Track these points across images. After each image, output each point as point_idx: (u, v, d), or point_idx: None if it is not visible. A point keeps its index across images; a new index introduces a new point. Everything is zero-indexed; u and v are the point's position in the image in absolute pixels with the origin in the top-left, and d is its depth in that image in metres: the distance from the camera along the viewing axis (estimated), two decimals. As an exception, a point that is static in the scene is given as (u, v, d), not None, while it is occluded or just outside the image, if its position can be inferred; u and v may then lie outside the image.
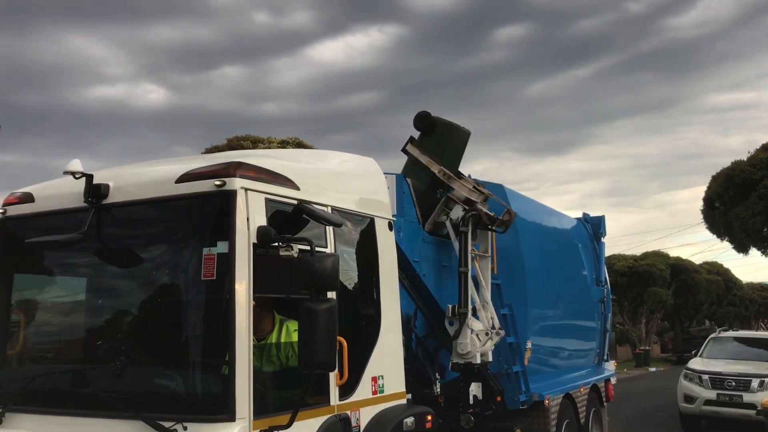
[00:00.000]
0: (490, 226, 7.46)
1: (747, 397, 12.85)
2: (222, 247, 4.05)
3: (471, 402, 7.15)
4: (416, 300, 6.93)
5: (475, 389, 7.20)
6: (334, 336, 4.02)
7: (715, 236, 18.74)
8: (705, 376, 13.83)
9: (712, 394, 13.50)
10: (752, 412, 12.56)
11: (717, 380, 13.62)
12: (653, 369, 34.41)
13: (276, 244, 4.17)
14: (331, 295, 4.27)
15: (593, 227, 11.26)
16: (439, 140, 7.66)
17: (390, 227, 5.64)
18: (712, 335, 16.73)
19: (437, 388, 6.92)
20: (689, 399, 13.93)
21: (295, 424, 4.17)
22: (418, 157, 7.38)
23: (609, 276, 37.48)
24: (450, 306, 7.18)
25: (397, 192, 6.65)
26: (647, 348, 38.89)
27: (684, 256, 48.93)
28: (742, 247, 18.04)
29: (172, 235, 4.36)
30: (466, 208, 7.21)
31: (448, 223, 7.25)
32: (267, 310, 4.75)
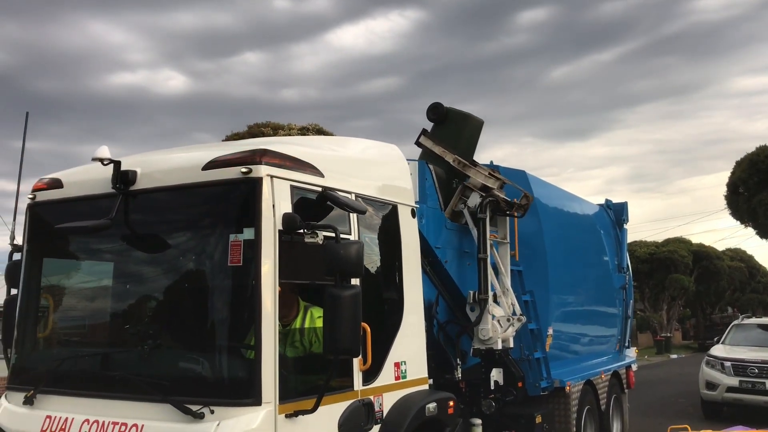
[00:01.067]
0: (507, 212, 7.45)
1: (774, 386, 12.76)
2: (248, 233, 4.09)
3: (492, 387, 7.18)
4: (438, 286, 6.95)
5: (496, 375, 7.23)
6: (358, 322, 4.07)
7: (738, 222, 18.53)
8: (727, 363, 13.74)
9: (734, 381, 13.42)
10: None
11: (740, 367, 13.53)
12: (674, 356, 34.21)
13: (301, 230, 4.21)
14: (356, 281, 4.32)
15: (615, 213, 11.20)
16: (452, 130, 7.65)
17: (413, 214, 5.66)
18: (735, 322, 16.59)
19: (458, 374, 6.95)
20: (711, 386, 13.85)
21: (321, 408, 4.23)
22: (431, 148, 7.38)
23: (630, 262, 37.19)
24: (471, 292, 7.20)
25: (419, 178, 6.65)
26: (668, 335, 38.63)
27: (707, 243, 48.48)
28: (766, 233, 17.85)
29: (199, 221, 4.41)
30: (483, 194, 7.20)
31: (465, 211, 7.25)
32: (292, 296, 4.80)
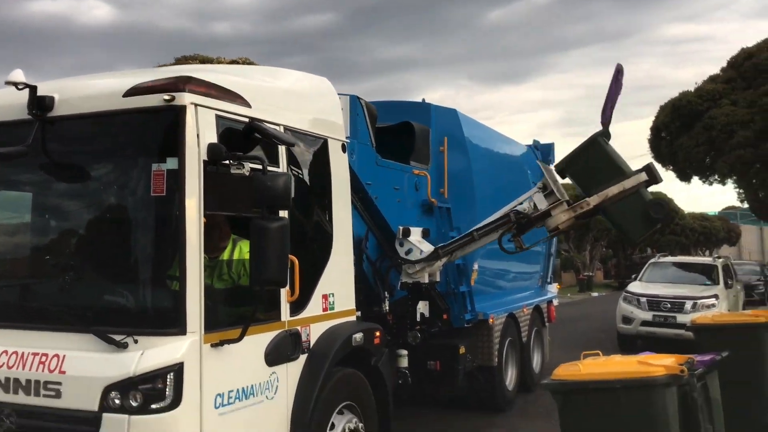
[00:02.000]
0: None
1: (680, 318, 13.51)
2: (171, 163, 4.02)
3: (418, 319, 7.38)
4: (368, 222, 7.02)
5: (422, 307, 7.43)
6: (285, 253, 4.09)
7: (660, 165, 19.20)
8: (643, 299, 14.47)
9: (648, 316, 14.16)
10: (684, 332, 13.25)
11: (654, 302, 14.28)
12: (595, 294, 35.70)
13: (227, 161, 4.16)
14: (284, 213, 4.33)
15: (543, 154, 11.42)
16: None
17: (343, 149, 5.65)
18: (652, 260, 17.40)
19: (386, 307, 7.11)
20: (627, 320, 14.60)
21: (246, 338, 4.28)
22: None
23: (557, 204, 37.41)
24: (400, 228, 7.31)
25: (351, 113, 6.61)
26: (590, 274, 40.19)
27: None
28: (684, 176, 18.60)
29: (120, 150, 4.30)
30: None
31: None
32: (222, 229, 4.78)
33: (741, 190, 22.81)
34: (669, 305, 14.04)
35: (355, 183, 6.57)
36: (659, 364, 4.22)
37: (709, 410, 4.97)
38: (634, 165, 6.72)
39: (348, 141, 5.85)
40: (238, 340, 4.12)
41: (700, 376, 4.85)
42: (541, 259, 11.18)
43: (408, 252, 7.42)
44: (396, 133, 8.04)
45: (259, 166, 4.08)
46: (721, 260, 16.20)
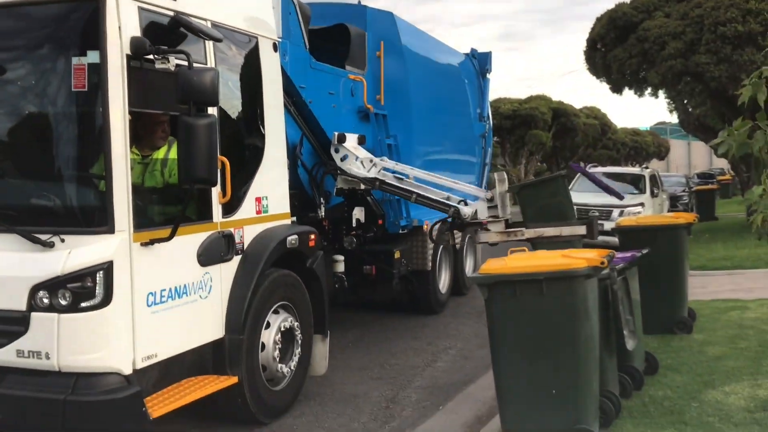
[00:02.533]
0: None
1: (608, 225, 14.00)
2: (93, 56, 3.87)
3: (354, 225, 7.46)
4: (302, 127, 6.94)
5: (358, 213, 7.50)
6: (214, 151, 4.03)
7: (594, 77, 19.39)
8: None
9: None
10: (611, 238, 13.80)
11: (582, 210, 14.70)
12: (529, 206, 36.60)
13: (151, 56, 4.02)
14: (212, 110, 4.24)
15: (480, 63, 11.40)
16: None
17: (275, 48, 5.51)
18: (583, 171, 17.83)
19: (322, 213, 7.14)
20: None
21: (179, 238, 4.26)
22: None
23: (494, 119, 38.35)
24: (336, 133, 7.26)
25: (283, 13, 6.38)
26: (525, 187, 41.09)
27: (566, 101, 50.83)
28: (617, 88, 18.85)
29: (40, 43, 4.09)
30: None
31: None
32: (159, 127, 4.67)
33: (671, 101, 23.38)
34: (597, 213, 14.51)
35: (288, 86, 6.46)
36: (581, 257, 4.33)
37: (629, 303, 5.24)
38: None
39: (280, 41, 5.70)
40: (168, 239, 4.10)
41: (620, 271, 5.11)
42: (477, 168, 11.32)
43: (343, 158, 7.41)
44: (331, 37, 7.87)
45: (185, 61, 3.95)
46: (648, 170, 16.75)
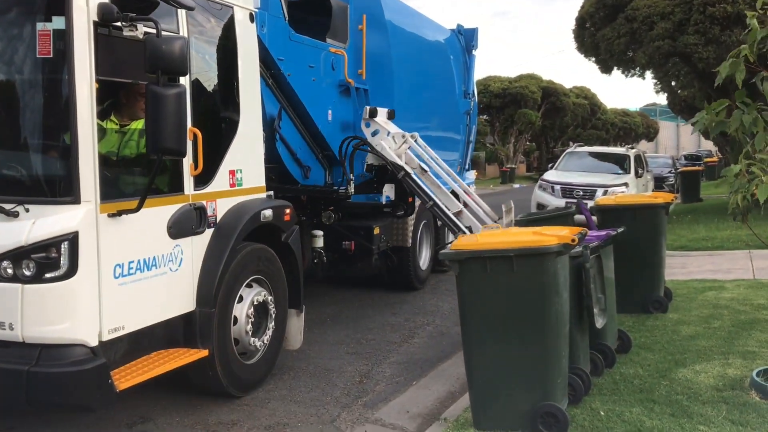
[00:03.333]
0: None
1: (591, 205, 14.07)
2: (58, 22, 3.79)
3: (384, 202, 7.47)
4: (281, 100, 6.86)
5: (388, 190, 7.56)
6: (183, 121, 3.97)
7: (583, 56, 19.31)
8: (557, 186, 14.97)
9: (561, 203, 14.62)
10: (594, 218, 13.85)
11: (567, 190, 14.80)
12: (517, 186, 36.66)
13: (119, 24, 3.93)
14: (183, 80, 4.17)
15: (466, 39, 11.29)
16: None
17: (251, 18, 5.42)
18: (568, 150, 17.87)
19: (351, 189, 7.22)
20: (541, 207, 15.13)
21: (150, 210, 4.22)
22: None
23: (484, 97, 38.05)
24: (367, 108, 7.31)
25: (261, -17, 6.29)
26: (513, 166, 41.11)
27: (557, 81, 50.71)
28: (606, 68, 18.79)
29: (4, 8, 3.98)
30: None
31: None
32: (141, 97, 4.58)
33: (658, 82, 23.32)
34: (581, 192, 14.55)
35: (266, 58, 6.39)
36: (552, 234, 4.31)
37: (602, 282, 5.24)
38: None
39: (257, 11, 5.60)
40: (135, 210, 4.05)
41: (593, 249, 5.09)
42: (461, 145, 11.26)
43: (374, 133, 7.39)
44: (312, 9, 7.77)
45: (153, 29, 3.87)
46: (633, 151, 16.78)
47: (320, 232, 7.47)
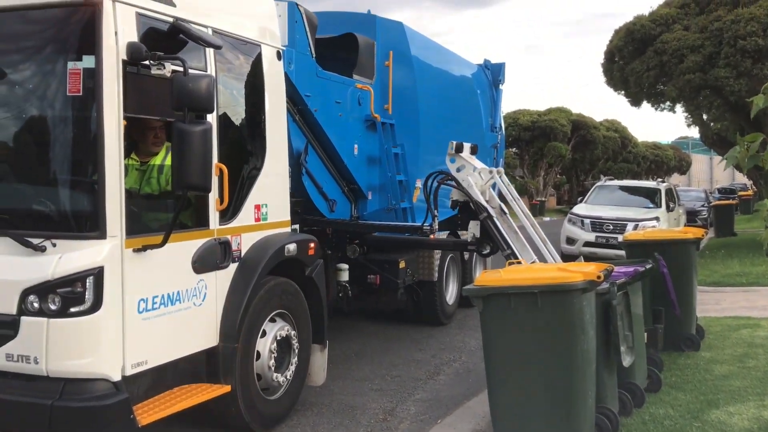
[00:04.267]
0: None
1: (621, 239, 13.88)
2: (88, 61, 3.88)
3: (470, 240, 7.35)
4: (308, 135, 6.93)
5: (473, 227, 7.24)
6: (208, 158, 4.02)
7: (612, 89, 19.26)
8: (587, 220, 14.81)
9: (591, 236, 14.54)
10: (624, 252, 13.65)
11: (597, 224, 14.62)
12: (547, 219, 36.36)
13: (147, 62, 4.02)
14: (210, 117, 4.24)
15: (493, 74, 11.36)
16: None
17: (279, 56, 5.50)
18: (598, 183, 17.70)
19: (435, 224, 7.16)
20: (571, 241, 14.97)
21: (174, 245, 4.26)
22: None
23: (513, 130, 38.01)
24: (453, 143, 7.26)
25: (289, 21, 6.41)
26: (543, 199, 40.86)
27: (587, 113, 50.55)
28: (635, 102, 18.72)
29: (37, 47, 4.10)
30: None
31: None
32: (158, 134, 4.67)
33: (688, 115, 23.12)
34: (611, 226, 14.38)
35: (293, 94, 6.47)
36: (577, 270, 4.27)
37: (630, 319, 5.14)
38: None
39: (284, 49, 5.70)
40: (161, 246, 4.08)
41: (621, 286, 5.01)
42: (488, 179, 11.24)
43: (460, 169, 7.29)
44: (339, 46, 7.87)
45: (180, 68, 3.95)
46: (664, 185, 16.57)
47: (345, 266, 7.47)
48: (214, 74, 4.63)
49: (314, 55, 6.83)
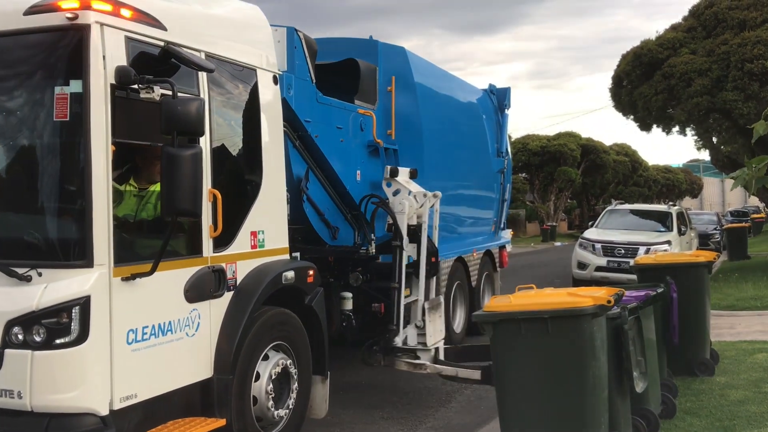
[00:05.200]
0: None
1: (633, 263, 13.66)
2: (75, 86, 3.80)
3: (406, 263, 7.23)
4: (308, 161, 6.82)
5: (410, 250, 7.17)
6: (198, 183, 3.91)
7: (621, 114, 19.17)
8: (598, 245, 14.65)
9: (602, 261, 14.36)
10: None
11: (608, 248, 14.45)
12: (558, 243, 36.11)
13: (136, 86, 3.93)
14: (203, 142, 4.14)
15: (498, 98, 11.27)
16: None
17: (275, 81, 5.42)
18: (609, 207, 17.53)
19: (372, 249, 7.03)
20: (582, 266, 14.78)
21: (166, 273, 4.14)
22: None
23: (523, 155, 37.91)
24: (388, 167, 7.19)
25: (288, 47, 6.34)
26: (554, 224, 40.59)
27: (596, 138, 50.44)
28: (645, 125, 18.60)
29: (22, 72, 4.04)
30: None
31: None
32: (155, 161, 4.57)
33: (698, 138, 22.98)
34: (623, 251, 14.19)
35: (292, 120, 6.38)
36: (587, 295, 4.23)
37: (642, 344, 5.01)
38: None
39: (284, 74, 5.62)
40: (149, 274, 3.96)
41: (632, 310, 4.90)
42: (495, 204, 11.11)
43: (396, 193, 7.24)
44: (341, 72, 7.80)
45: (169, 91, 3.85)
46: (676, 208, 16.38)
47: (349, 294, 7.29)
48: (207, 98, 4.54)
49: (314, 81, 6.75)
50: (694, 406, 5.86)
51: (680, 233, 15.32)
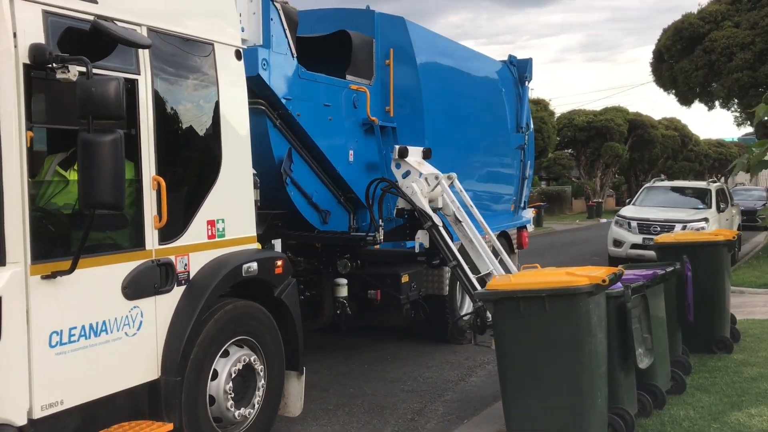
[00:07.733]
0: None
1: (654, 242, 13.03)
2: (-19, 67, 3.44)
3: (417, 251, 6.89)
4: (292, 141, 6.43)
5: (421, 237, 6.82)
6: (119, 172, 3.54)
7: (662, 89, 18.24)
8: (633, 223, 14.24)
9: (638, 239, 13.90)
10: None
11: (644, 226, 13.98)
12: (604, 220, 34.98)
13: (54, 65, 3.57)
14: (144, 124, 3.80)
15: (519, 70, 10.67)
16: None
17: (238, 56, 5.00)
18: (647, 185, 16.82)
19: (380, 235, 6.74)
20: (618, 243, 14.36)
21: (98, 269, 3.85)
22: None
23: (569, 131, 37.04)
24: (397, 147, 6.88)
25: (263, 19, 5.91)
26: (600, 200, 39.43)
27: (645, 112, 48.81)
28: (685, 101, 17.70)
29: None
30: None
31: None
32: None
33: (738, 114, 21.80)
34: (659, 228, 13.61)
35: (270, 98, 6.01)
36: (584, 274, 4.42)
37: (648, 321, 5.02)
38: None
39: (245, 48, 5.20)
40: (69, 272, 3.63)
41: (636, 289, 5.01)
42: (514, 181, 10.53)
43: (405, 175, 6.89)
44: (334, 45, 7.35)
45: (83, 69, 3.48)
46: (716, 184, 15.59)
47: (344, 281, 6.92)
48: (149, 77, 4.17)
49: (295, 55, 6.32)
50: (705, 382, 5.82)
51: (719, 210, 14.55)
